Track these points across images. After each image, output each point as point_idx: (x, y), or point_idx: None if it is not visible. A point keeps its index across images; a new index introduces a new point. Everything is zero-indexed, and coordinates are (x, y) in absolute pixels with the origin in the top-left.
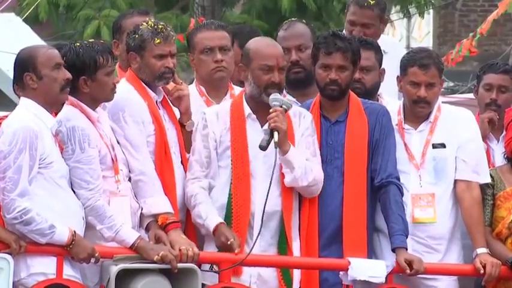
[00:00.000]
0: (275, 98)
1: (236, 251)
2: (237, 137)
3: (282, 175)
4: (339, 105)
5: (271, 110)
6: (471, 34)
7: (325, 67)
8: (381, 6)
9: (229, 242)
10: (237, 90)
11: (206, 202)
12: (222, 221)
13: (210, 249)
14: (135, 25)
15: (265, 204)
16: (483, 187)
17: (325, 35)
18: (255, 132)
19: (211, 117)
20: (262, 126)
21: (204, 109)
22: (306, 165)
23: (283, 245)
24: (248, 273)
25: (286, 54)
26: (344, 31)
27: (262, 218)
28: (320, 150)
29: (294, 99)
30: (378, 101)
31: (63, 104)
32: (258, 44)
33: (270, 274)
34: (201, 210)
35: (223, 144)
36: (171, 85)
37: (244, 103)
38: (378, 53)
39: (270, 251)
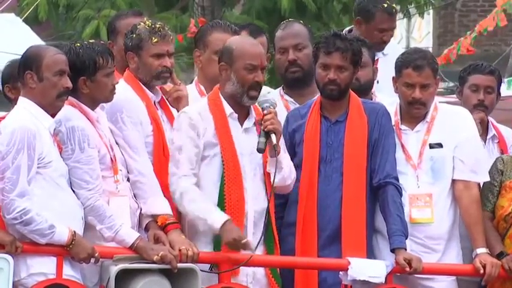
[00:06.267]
0: (265, 100)
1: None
2: (223, 138)
3: (267, 174)
4: (339, 105)
5: (265, 112)
6: (468, 32)
7: (324, 67)
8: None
9: (244, 241)
10: None
11: (204, 200)
12: (229, 217)
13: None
14: (133, 25)
15: (268, 203)
16: (491, 173)
17: (326, 34)
18: (237, 131)
19: (196, 116)
20: (242, 125)
21: (184, 109)
22: (290, 164)
23: (270, 243)
24: (244, 273)
25: (284, 54)
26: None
27: (266, 217)
28: (320, 150)
29: (292, 99)
30: (371, 99)
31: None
32: (242, 43)
33: (262, 272)
34: (201, 208)
35: (210, 144)
36: (168, 86)
37: (224, 102)
38: (371, 50)
39: (259, 249)
